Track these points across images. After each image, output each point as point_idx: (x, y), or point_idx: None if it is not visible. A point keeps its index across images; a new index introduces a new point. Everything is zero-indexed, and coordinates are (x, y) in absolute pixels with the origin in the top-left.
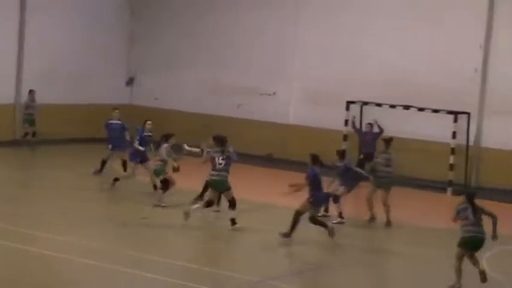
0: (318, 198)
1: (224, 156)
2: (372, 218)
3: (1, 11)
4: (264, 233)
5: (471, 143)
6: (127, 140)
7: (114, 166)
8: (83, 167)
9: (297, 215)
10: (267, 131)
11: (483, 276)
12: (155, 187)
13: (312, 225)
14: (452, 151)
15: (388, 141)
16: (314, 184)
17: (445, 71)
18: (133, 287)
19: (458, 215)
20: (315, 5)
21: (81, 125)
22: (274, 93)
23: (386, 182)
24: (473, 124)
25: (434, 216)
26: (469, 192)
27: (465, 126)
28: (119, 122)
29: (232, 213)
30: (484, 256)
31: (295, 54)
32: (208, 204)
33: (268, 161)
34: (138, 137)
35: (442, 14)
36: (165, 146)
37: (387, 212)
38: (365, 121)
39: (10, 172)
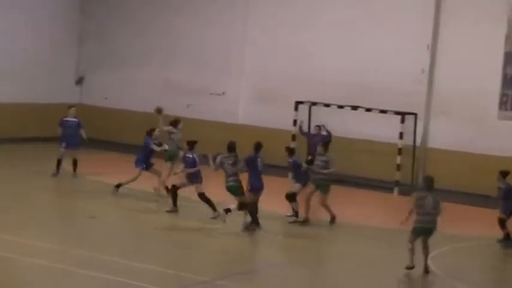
0: (254, 184)
1: (231, 162)
2: (306, 220)
3: None
4: (212, 231)
5: (418, 143)
6: (83, 137)
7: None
8: (30, 165)
9: (252, 206)
10: (216, 130)
11: (425, 270)
12: (167, 189)
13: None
14: (399, 151)
15: (326, 144)
16: (252, 170)
17: (393, 72)
18: (85, 287)
19: (417, 202)
20: (265, 4)
21: (30, 124)
22: (223, 93)
23: (323, 184)
24: (420, 125)
25: (381, 216)
26: (429, 179)
27: (412, 127)
28: (75, 119)
29: (232, 208)
30: (430, 255)
31: (245, 54)
32: (242, 207)
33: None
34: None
35: (390, 14)
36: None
37: (329, 210)
38: (314, 121)
39: None
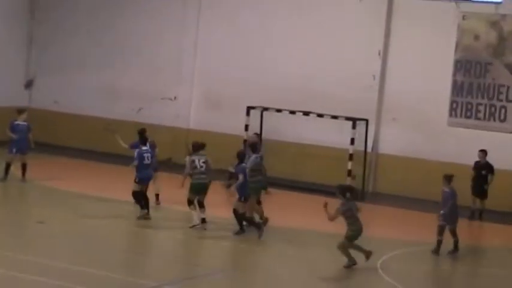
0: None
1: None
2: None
3: None
4: (161, 235)
5: (369, 149)
6: (30, 141)
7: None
8: None
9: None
10: (167, 135)
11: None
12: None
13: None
14: (351, 157)
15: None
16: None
17: (345, 78)
18: None
19: (344, 215)
20: (217, 9)
21: None
22: (175, 97)
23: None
24: (371, 130)
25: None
26: (349, 189)
27: (363, 133)
28: (25, 123)
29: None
30: (379, 261)
31: (196, 59)
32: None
33: (168, 166)
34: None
35: (342, 21)
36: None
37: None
38: (266, 127)
39: None
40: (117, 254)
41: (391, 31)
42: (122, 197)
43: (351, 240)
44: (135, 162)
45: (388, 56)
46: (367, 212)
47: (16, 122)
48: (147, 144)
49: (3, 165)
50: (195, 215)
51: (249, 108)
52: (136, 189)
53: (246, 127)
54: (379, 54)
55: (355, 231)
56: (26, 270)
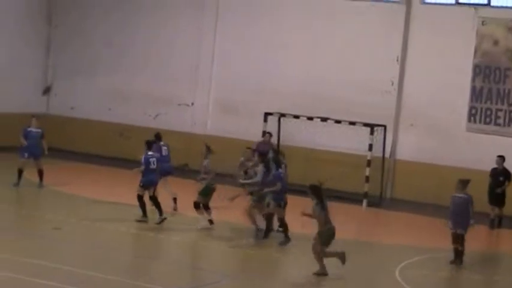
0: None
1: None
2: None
3: None
4: (175, 239)
5: (387, 155)
6: (44, 147)
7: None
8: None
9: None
10: (183, 141)
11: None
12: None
13: None
14: (369, 163)
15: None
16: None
17: (362, 83)
18: None
19: (321, 213)
20: (234, 16)
21: None
22: (192, 103)
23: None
24: (389, 137)
25: (350, 229)
26: (317, 188)
27: (381, 139)
28: (39, 129)
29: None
30: (397, 267)
31: (213, 64)
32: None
33: (184, 171)
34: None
35: (361, 27)
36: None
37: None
38: (284, 133)
39: None
40: (132, 259)
41: (409, 36)
42: (137, 203)
43: (324, 240)
44: (142, 168)
45: (406, 62)
46: (384, 218)
47: (29, 129)
48: (164, 147)
49: (16, 171)
50: (203, 218)
51: (266, 114)
52: (140, 193)
53: (263, 133)
54: (397, 60)
55: (330, 229)
56: (40, 275)
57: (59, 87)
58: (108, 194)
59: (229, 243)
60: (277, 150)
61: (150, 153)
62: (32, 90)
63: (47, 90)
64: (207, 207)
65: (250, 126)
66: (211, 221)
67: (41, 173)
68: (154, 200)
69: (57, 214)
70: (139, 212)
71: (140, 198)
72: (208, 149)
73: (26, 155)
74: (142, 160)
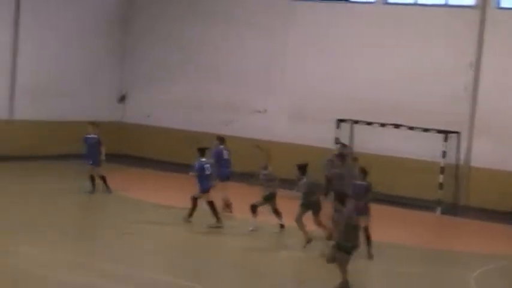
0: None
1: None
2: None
3: None
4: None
5: (461, 162)
6: (101, 154)
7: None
8: (75, 181)
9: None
10: (250, 148)
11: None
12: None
13: None
14: (442, 170)
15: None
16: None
17: (435, 90)
18: None
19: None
20: (305, 24)
21: (70, 142)
22: (265, 110)
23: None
24: (463, 143)
25: (424, 236)
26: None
27: (455, 146)
28: (95, 136)
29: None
30: (472, 275)
31: (287, 72)
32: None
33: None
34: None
35: (433, 32)
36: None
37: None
38: (356, 140)
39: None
40: (207, 265)
41: (484, 41)
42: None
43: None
44: (195, 173)
45: (480, 67)
46: (458, 226)
47: (87, 136)
48: (225, 151)
49: (86, 178)
50: (254, 220)
51: (339, 121)
52: (196, 196)
53: (336, 140)
54: (471, 65)
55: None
56: (116, 280)
57: (134, 95)
58: (182, 200)
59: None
60: (355, 157)
61: (203, 159)
62: (108, 99)
63: (122, 98)
64: (277, 212)
65: (321, 133)
66: (282, 226)
67: (103, 179)
68: (211, 205)
69: (126, 219)
70: (212, 218)
71: (195, 199)
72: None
73: (91, 162)
74: (196, 167)
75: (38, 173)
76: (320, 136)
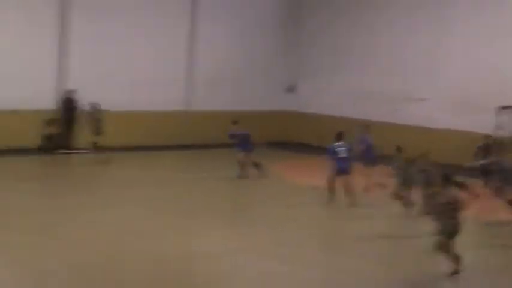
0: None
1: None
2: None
3: (173, 21)
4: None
5: None
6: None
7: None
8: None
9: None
10: (416, 136)
11: None
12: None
13: None
14: None
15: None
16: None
17: None
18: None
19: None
20: (465, 15)
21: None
22: (426, 98)
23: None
24: None
25: None
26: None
27: None
28: (246, 132)
29: None
30: None
31: (450, 59)
32: None
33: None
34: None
35: None
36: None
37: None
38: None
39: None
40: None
41: None
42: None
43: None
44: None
45: None
46: None
47: (237, 132)
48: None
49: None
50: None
51: (503, 108)
52: (330, 177)
53: (497, 127)
54: None
55: None
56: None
57: (302, 85)
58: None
59: None
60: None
61: (336, 143)
62: (277, 89)
63: (291, 88)
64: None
65: (483, 120)
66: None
67: (256, 165)
68: (346, 187)
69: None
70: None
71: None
72: (399, 149)
73: (240, 149)
74: (329, 150)
75: (204, 163)
76: (481, 123)
